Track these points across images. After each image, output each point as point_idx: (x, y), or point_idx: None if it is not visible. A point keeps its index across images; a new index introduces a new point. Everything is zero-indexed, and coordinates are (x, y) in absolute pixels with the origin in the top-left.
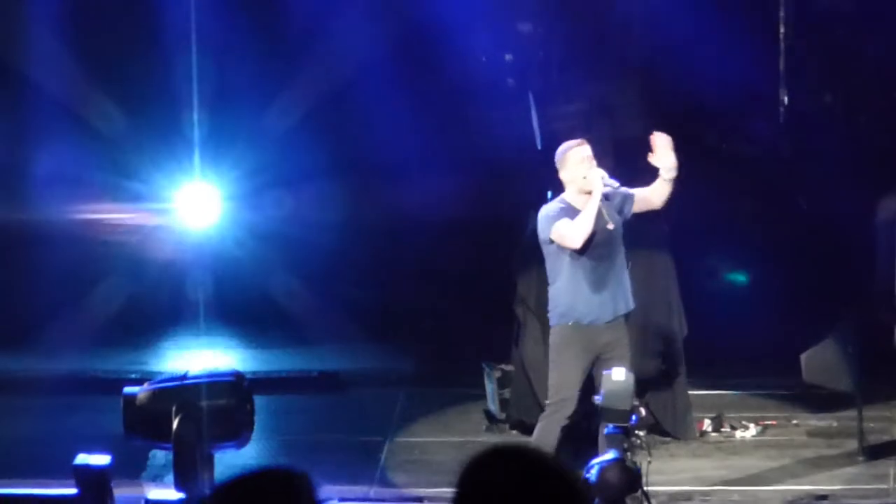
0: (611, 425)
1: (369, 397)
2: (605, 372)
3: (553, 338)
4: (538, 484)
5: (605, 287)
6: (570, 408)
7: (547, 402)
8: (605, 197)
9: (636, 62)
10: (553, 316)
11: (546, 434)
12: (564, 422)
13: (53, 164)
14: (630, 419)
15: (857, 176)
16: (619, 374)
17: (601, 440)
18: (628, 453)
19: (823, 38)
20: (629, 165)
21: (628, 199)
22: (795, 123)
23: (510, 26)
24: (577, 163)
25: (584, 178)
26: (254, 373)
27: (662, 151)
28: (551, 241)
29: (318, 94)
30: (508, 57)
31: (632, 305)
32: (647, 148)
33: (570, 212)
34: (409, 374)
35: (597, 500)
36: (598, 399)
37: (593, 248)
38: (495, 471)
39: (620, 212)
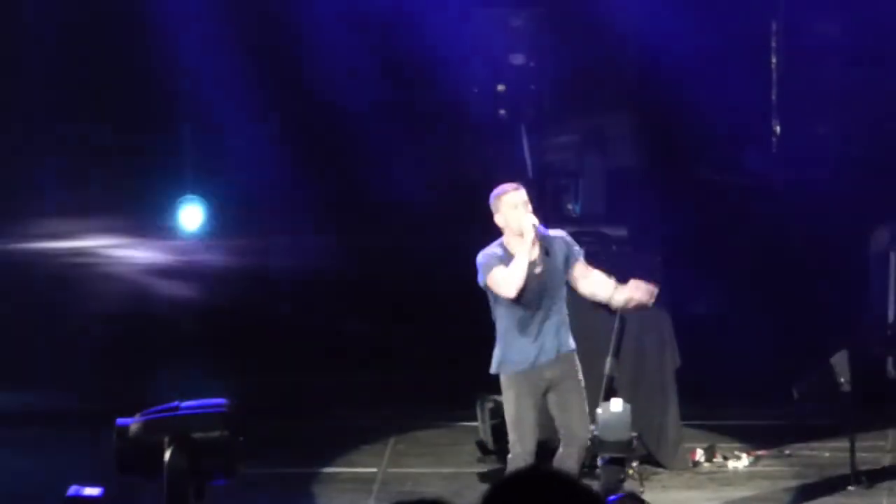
0: (608, 456)
1: (362, 428)
2: (602, 403)
3: (501, 382)
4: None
5: (538, 333)
6: (528, 444)
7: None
8: (543, 242)
9: (628, 94)
10: (493, 363)
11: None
12: (528, 458)
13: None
14: (631, 448)
15: (849, 207)
16: (616, 406)
17: (600, 471)
18: (624, 483)
19: (816, 68)
20: (621, 196)
21: (573, 252)
22: (788, 154)
23: (503, 58)
24: (510, 207)
25: (521, 217)
26: (245, 402)
27: (639, 296)
28: (487, 287)
29: (310, 125)
30: (501, 88)
31: (571, 347)
32: (639, 178)
33: (506, 258)
34: (403, 405)
35: None
36: (595, 430)
37: (523, 294)
38: (521, 495)
39: (565, 260)
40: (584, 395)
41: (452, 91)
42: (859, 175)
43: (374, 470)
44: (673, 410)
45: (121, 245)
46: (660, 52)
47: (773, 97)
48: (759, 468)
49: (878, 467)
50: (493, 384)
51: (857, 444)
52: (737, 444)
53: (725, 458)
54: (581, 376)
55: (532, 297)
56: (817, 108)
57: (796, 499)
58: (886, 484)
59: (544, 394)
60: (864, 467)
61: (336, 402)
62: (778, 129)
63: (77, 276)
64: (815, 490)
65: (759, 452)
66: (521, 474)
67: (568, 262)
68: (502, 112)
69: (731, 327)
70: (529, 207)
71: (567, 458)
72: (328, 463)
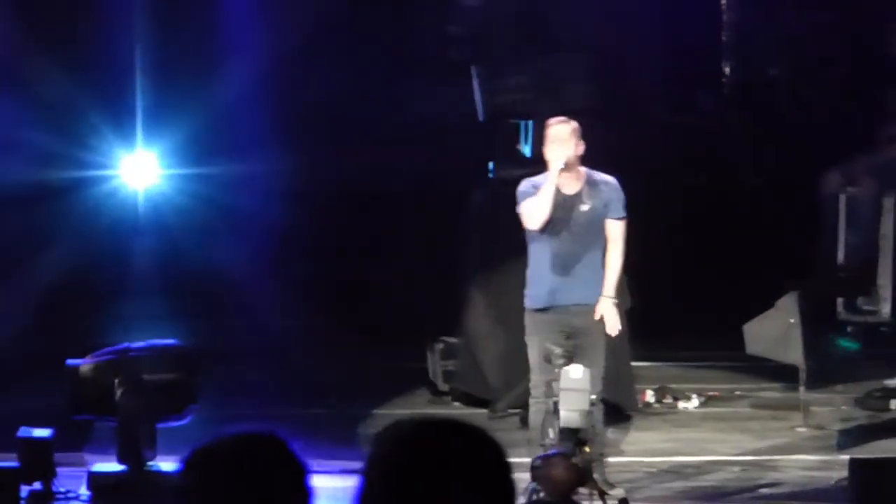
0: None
1: (314, 371)
2: (563, 369)
3: (525, 321)
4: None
5: (570, 273)
6: (539, 388)
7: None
8: (590, 182)
9: (582, 36)
10: (524, 298)
11: (532, 415)
12: (539, 401)
13: None
14: (587, 421)
15: (801, 149)
16: (576, 372)
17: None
18: (587, 447)
19: (766, 10)
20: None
21: (617, 206)
22: (740, 96)
23: None
24: (547, 140)
25: (551, 154)
26: (198, 345)
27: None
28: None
29: (263, 64)
30: (453, 29)
31: (600, 295)
32: (594, 121)
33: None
34: (353, 346)
35: (543, 494)
36: (556, 397)
37: (560, 228)
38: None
39: (605, 206)
40: (606, 350)
41: (404, 32)
42: (809, 117)
43: (325, 411)
44: (624, 351)
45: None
46: None
47: (724, 38)
48: (709, 409)
49: (828, 408)
50: (443, 326)
51: (808, 385)
52: (688, 385)
53: (676, 399)
54: (604, 330)
55: (567, 233)
56: (768, 50)
57: (748, 439)
58: (837, 425)
59: (568, 337)
60: (814, 407)
61: (288, 346)
62: (729, 70)
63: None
64: (766, 431)
65: (710, 393)
66: (411, 422)
67: (608, 208)
68: (454, 54)
69: (684, 268)
70: (570, 143)
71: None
72: (278, 405)
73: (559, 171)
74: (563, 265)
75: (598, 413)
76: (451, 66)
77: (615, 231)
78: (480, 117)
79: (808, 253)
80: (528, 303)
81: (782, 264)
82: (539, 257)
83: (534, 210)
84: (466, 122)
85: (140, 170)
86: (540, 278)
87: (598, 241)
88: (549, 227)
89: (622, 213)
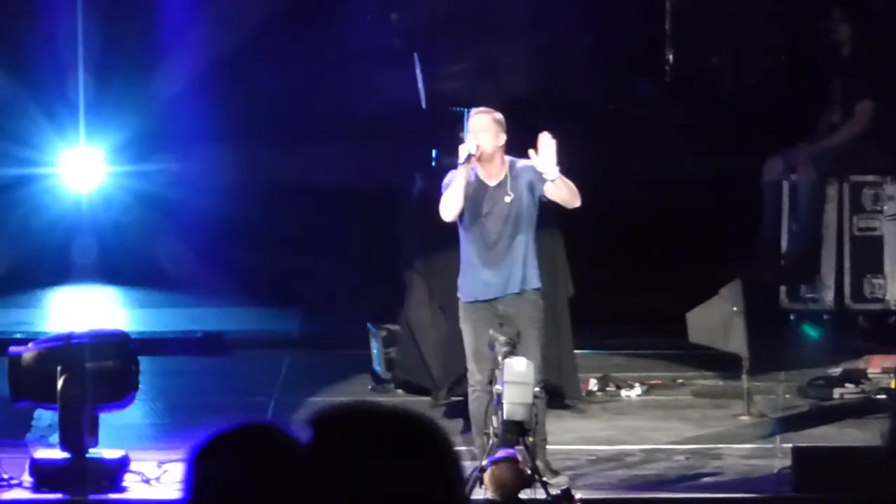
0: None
1: (255, 359)
2: (505, 361)
3: (458, 310)
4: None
5: (498, 265)
6: (475, 377)
7: None
8: (513, 170)
9: (522, 21)
10: (457, 288)
11: (471, 403)
12: (478, 390)
13: None
14: (531, 413)
15: (743, 137)
16: (519, 365)
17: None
18: (530, 437)
19: None
20: (515, 125)
21: (538, 179)
22: (682, 84)
23: None
24: (468, 129)
25: (466, 142)
26: (139, 334)
27: (543, 153)
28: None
29: (203, 57)
30: (394, 17)
31: (534, 284)
32: (533, 108)
33: (469, 178)
34: (295, 335)
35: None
36: (499, 387)
37: (486, 220)
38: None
39: (529, 188)
40: (540, 340)
41: (346, 20)
42: (752, 104)
43: (266, 398)
44: (566, 340)
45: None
46: None
47: (667, 25)
48: (652, 397)
49: (771, 397)
50: (384, 313)
51: (751, 374)
52: (630, 374)
53: (619, 388)
54: (540, 320)
55: (493, 225)
56: (710, 37)
57: (690, 428)
58: (780, 413)
59: (501, 325)
60: (757, 396)
61: (227, 330)
62: (671, 57)
63: None
64: (708, 419)
65: (653, 382)
66: (330, 410)
67: (534, 191)
68: (396, 41)
69: (625, 257)
70: (489, 133)
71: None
72: (219, 392)
73: (474, 160)
74: (492, 258)
75: (541, 401)
76: (394, 54)
77: (555, 190)
78: (423, 105)
79: (750, 241)
80: (461, 294)
81: (724, 253)
82: (468, 249)
83: (445, 202)
84: (409, 111)
85: (82, 167)
86: (470, 271)
87: (527, 229)
88: (476, 219)
89: (551, 175)
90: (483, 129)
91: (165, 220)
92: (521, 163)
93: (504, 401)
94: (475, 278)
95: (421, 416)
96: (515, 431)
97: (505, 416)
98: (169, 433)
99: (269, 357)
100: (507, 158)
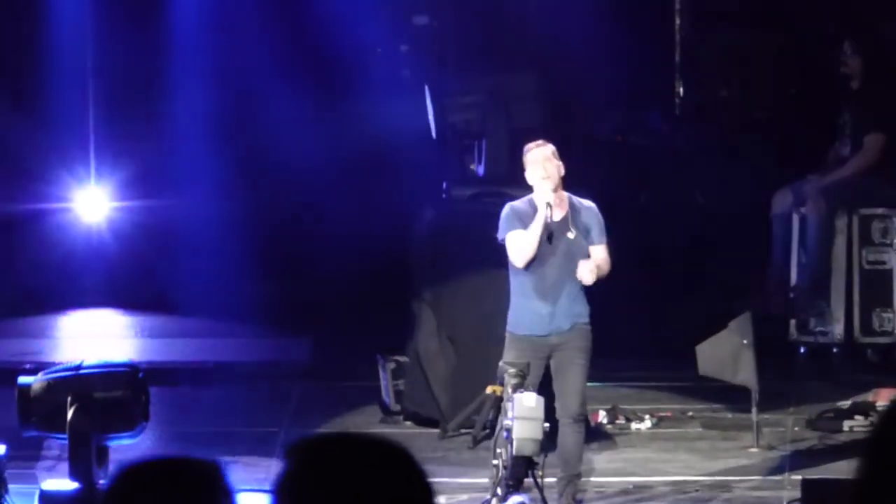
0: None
1: (264, 389)
2: (515, 395)
3: (506, 341)
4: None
5: (552, 300)
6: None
7: None
8: (573, 207)
9: (532, 54)
10: (508, 320)
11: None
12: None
13: None
14: (539, 450)
15: (752, 169)
16: (529, 400)
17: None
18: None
19: (719, 29)
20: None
21: (599, 230)
22: (692, 116)
23: (406, 18)
24: (530, 164)
25: (541, 179)
26: (149, 363)
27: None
28: (503, 243)
29: (212, 90)
30: (404, 48)
31: (585, 319)
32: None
33: (530, 213)
34: (305, 366)
35: None
36: (508, 422)
37: (546, 255)
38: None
39: (586, 232)
40: (586, 370)
41: (356, 52)
42: (762, 137)
43: (276, 430)
44: None
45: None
46: (563, 12)
47: (677, 58)
48: (661, 429)
49: (780, 429)
50: (393, 344)
51: (760, 406)
52: (640, 406)
53: (628, 420)
54: (587, 351)
55: (551, 260)
56: (720, 69)
57: (699, 460)
58: (789, 446)
59: (548, 357)
60: (766, 429)
61: (237, 361)
62: (681, 90)
63: None
64: (717, 452)
65: (662, 414)
66: (331, 437)
67: (591, 236)
68: (406, 72)
69: (635, 289)
70: (552, 163)
71: (565, 431)
72: (228, 423)
73: (553, 202)
74: (548, 293)
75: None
76: (405, 85)
77: (598, 256)
78: (434, 136)
79: (760, 274)
80: (512, 328)
81: (734, 285)
82: (524, 282)
83: (522, 246)
84: (420, 142)
85: (93, 202)
86: (524, 305)
87: (577, 266)
88: (537, 253)
89: (604, 239)
90: (550, 158)
91: (177, 252)
92: (579, 201)
93: (514, 436)
94: (531, 311)
95: (396, 445)
96: (524, 466)
97: (515, 452)
98: None
99: (279, 388)
100: (566, 194)
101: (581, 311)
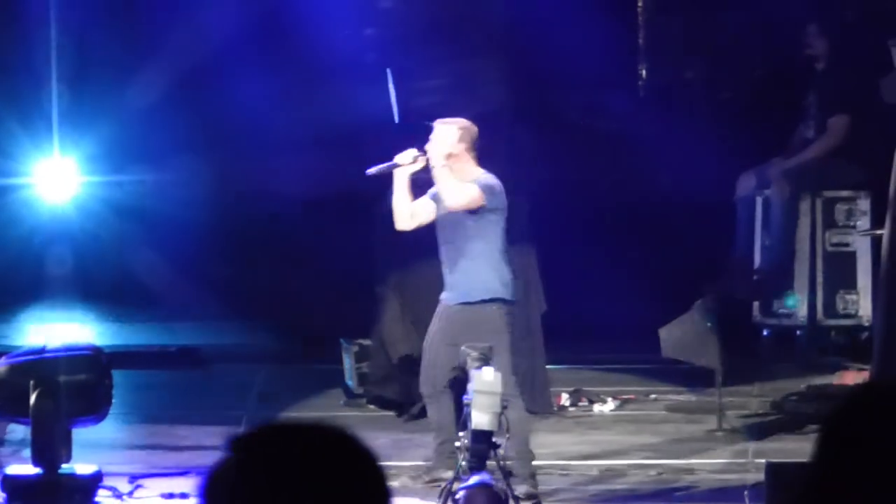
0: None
1: (228, 373)
2: (474, 370)
3: None
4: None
5: (452, 270)
6: (427, 385)
7: None
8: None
9: (495, 37)
10: None
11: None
12: (428, 394)
13: None
14: (499, 425)
15: (717, 152)
16: (487, 374)
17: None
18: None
19: (683, 11)
20: (489, 138)
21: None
22: (655, 98)
23: (370, 1)
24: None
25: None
26: (113, 347)
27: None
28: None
29: (178, 69)
30: (369, 32)
31: (477, 297)
32: (507, 121)
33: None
34: (269, 349)
35: None
36: (466, 398)
37: (439, 230)
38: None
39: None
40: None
41: (320, 34)
42: (726, 119)
43: (241, 413)
44: (539, 354)
45: None
46: None
47: (640, 41)
48: (625, 412)
49: (744, 412)
50: (355, 328)
51: (724, 389)
52: (603, 389)
53: (591, 402)
54: (502, 330)
55: (442, 233)
56: (684, 52)
57: (663, 443)
58: (753, 429)
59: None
60: (730, 411)
61: (202, 344)
62: (644, 73)
63: None
64: (681, 434)
65: (626, 396)
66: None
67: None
68: (370, 55)
69: (598, 272)
70: (444, 144)
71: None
72: (192, 407)
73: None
74: (446, 264)
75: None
76: (369, 68)
77: None
78: (396, 120)
79: (724, 256)
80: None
81: (697, 268)
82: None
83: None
84: (383, 126)
85: (57, 178)
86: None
87: (465, 236)
88: (437, 229)
89: None
90: (439, 139)
91: (140, 232)
92: (475, 175)
93: (472, 409)
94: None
95: (342, 430)
96: (484, 443)
97: (472, 426)
98: (142, 448)
99: (243, 371)
100: (471, 169)
101: (477, 287)
